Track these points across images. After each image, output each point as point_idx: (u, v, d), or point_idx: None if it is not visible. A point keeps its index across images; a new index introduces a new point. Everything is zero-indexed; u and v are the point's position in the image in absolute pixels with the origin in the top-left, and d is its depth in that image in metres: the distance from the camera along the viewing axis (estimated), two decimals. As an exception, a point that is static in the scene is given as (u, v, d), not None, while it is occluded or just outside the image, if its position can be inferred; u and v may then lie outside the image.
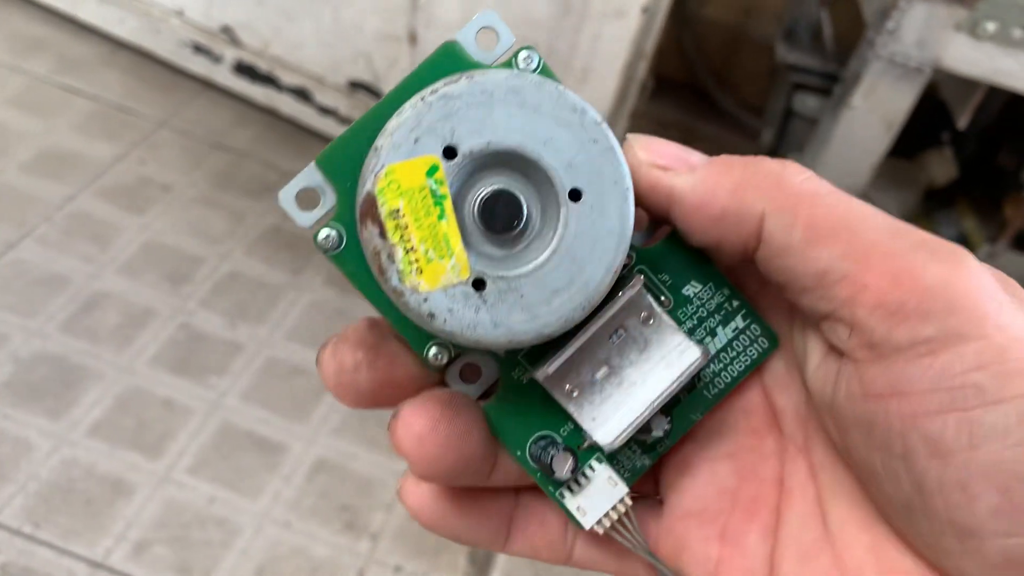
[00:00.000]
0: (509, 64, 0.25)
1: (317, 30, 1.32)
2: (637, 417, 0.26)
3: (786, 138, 1.46)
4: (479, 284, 0.24)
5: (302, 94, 1.39)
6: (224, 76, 1.44)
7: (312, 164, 0.25)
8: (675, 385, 0.26)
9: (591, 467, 0.27)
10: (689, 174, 0.25)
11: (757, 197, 0.24)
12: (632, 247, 0.27)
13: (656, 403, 0.26)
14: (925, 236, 0.23)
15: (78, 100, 1.39)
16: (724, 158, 0.25)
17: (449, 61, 0.25)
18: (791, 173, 0.24)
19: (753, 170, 0.25)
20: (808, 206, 0.24)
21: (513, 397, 0.27)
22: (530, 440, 0.27)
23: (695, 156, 0.26)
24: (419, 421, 0.25)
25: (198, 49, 1.43)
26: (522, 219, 0.24)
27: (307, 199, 0.25)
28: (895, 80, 1.03)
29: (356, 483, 0.99)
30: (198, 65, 1.45)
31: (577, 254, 0.24)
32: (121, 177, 1.28)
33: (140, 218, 1.22)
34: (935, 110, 1.32)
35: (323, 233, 0.25)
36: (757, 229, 0.24)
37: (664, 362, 0.26)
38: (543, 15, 1.15)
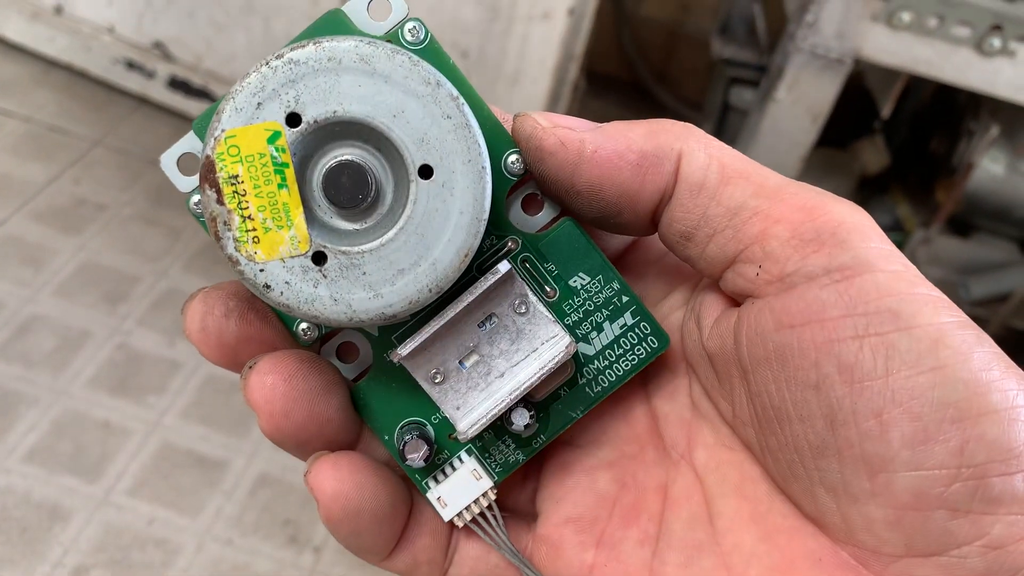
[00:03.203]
0: (395, 35, 0.25)
1: (249, 42, 1.31)
2: (494, 408, 0.26)
3: (724, 132, 1.48)
4: (319, 258, 0.23)
5: (238, 107, 1.38)
6: (158, 91, 1.42)
7: (191, 131, 0.25)
8: (537, 377, 0.26)
9: (459, 459, 0.27)
10: (598, 129, 0.25)
11: (671, 138, 0.25)
12: (520, 234, 0.26)
13: (516, 394, 0.26)
14: (819, 188, 0.24)
15: (10, 122, 1.37)
16: (621, 121, 0.26)
17: (331, 30, 0.25)
18: (692, 125, 0.25)
19: (659, 121, 0.25)
20: (717, 150, 0.24)
21: (385, 379, 0.27)
22: (398, 426, 0.27)
23: (593, 123, 0.26)
24: (274, 372, 0.24)
25: (131, 65, 1.41)
26: (368, 193, 0.23)
27: (188, 165, 0.25)
28: (817, 72, 1.05)
29: (298, 496, 0.99)
30: (132, 81, 1.43)
31: (426, 233, 0.23)
32: (55, 198, 1.26)
33: (75, 239, 1.21)
34: (865, 100, 1.34)
35: (195, 198, 0.25)
36: (676, 168, 0.24)
37: (534, 353, 0.26)
38: (472, 20, 1.15)
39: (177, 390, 1.06)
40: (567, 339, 0.26)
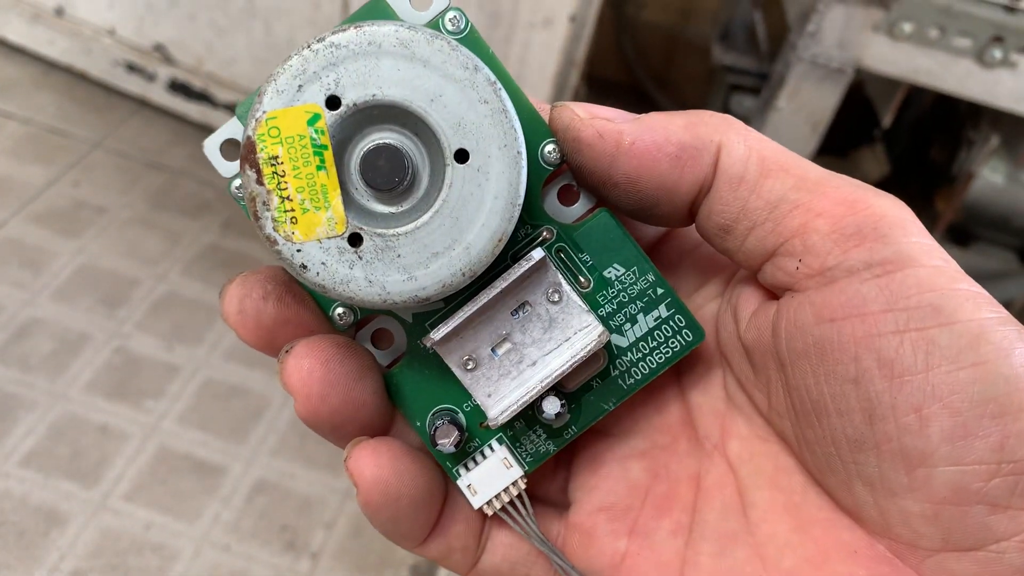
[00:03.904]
0: (436, 24, 0.25)
1: (249, 45, 1.31)
2: (525, 395, 0.26)
3: (724, 139, 1.47)
4: (355, 240, 0.23)
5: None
6: (159, 94, 1.42)
7: (234, 117, 0.25)
8: (569, 365, 0.26)
9: (490, 447, 0.27)
10: (636, 121, 0.25)
11: (710, 130, 0.24)
12: (555, 224, 0.27)
13: (548, 382, 0.26)
14: (860, 181, 0.24)
15: (10, 124, 1.37)
16: (659, 112, 0.26)
17: (374, 17, 0.25)
18: (731, 117, 0.25)
19: (698, 113, 0.25)
20: (757, 142, 0.24)
21: (418, 367, 0.27)
22: (431, 412, 0.27)
23: (630, 114, 0.26)
24: (310, 356, 0.25)
25: (131, 68, 1.41)
26: (405, 176, 0.24)
27: (230, 150, 0.25)
28: (818, 81, 1.05)
29: (296, 502, 0.98)
30: (132, 84, 1.43)
31: (460, 217, 0.23)
32: (54, 201, 1.26)
33: (74, 242, 1.21)
34: (866, 109, 1.34)
35: (237, 182, 0.25)
36: (715, 161, 0.24)
37: (567, 342, 0.26)
38: (473, 26, 1.15)
39: (175, 394, 1.06)
40: (599, 328, 0.26)
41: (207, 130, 1.42)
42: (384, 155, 0.23)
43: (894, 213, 0.23)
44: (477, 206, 0.23)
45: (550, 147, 0.26)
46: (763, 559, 0.25)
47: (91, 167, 1.33)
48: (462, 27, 0.25)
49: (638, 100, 1.77)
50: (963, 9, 0.94)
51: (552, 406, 0.26)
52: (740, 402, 0.27)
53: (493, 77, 0.23)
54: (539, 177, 0.26)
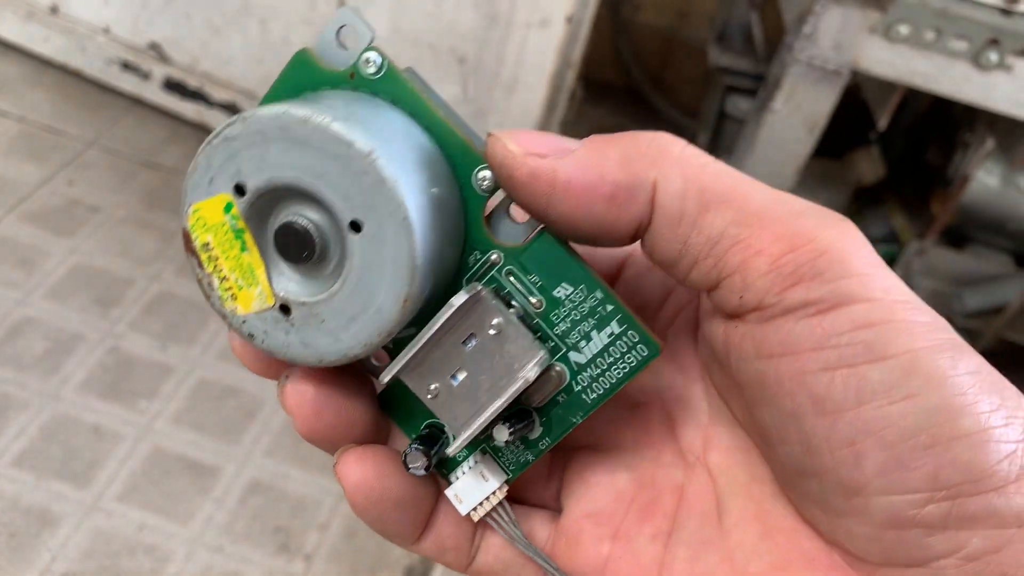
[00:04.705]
0: (357, 67, 0.26)
1: (245, 44, 1.31)
2: (474, 428, 0.27)
3: (721, 140, 1.48)
4: (285, 309, 0.25)
5: (232, 109, 1.38)
6: (153, 93, 1.42)
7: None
8: (512, 394, 0.26)
9: (474, 459, 0.29)
10: (570, 156, 0.24)
11: (646, 167, 0.24)
12: (500, 247, 0.27)
13: (493, 413, 0.26)
14: (805, 203, 0.24)
15: (3, 122, 1.36)
16: (598, 136, 0.25)
17: (300, 72, 0.26)
18: (669, 142, 0.24)
19: (634, 142, 0.24)
20: (695, 173, 0.24)
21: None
22: (421, 427, 0.29)
23: (569, 142, 0.25)
24: (305, 381, 0.27)
25: (126, 66, 1.41)
26: (313, 251, 0.25)
27: None
28: (814, 83, 1.05)
29: (290, 504, 0.98)
30: (127, 83, 1.43)
31: (366, 283, 0.24)
32: (48, 200, 1.25)
33: (68, 241, 1.20)
34: (862, 111, 1.34)
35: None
36: (651, 199, 0.24)
37: (512, 369, 0.26)
38: (469, 27, 1.15)
39: (169, 395, 1.05)
40: (540, 354, 0.26)
41: (202, 129, 1.42)
42: (290, 233, 0.25)
43: (836, 247, 0.22)
44: (380, 272, 0.24)
45: (482, 174, 0.26)
46: (732, 564, 0.26)
47: (85, 166, 1.33)
48: (380, 65, 0.26)
49: (634, 102, 1.77)
50: (959, 12, 0.94)
51: (501, 435, 0.27)
52: (722, 414, 0.28)
53: (368, 148, 0.23)
54: (478, 206, 0.26)
